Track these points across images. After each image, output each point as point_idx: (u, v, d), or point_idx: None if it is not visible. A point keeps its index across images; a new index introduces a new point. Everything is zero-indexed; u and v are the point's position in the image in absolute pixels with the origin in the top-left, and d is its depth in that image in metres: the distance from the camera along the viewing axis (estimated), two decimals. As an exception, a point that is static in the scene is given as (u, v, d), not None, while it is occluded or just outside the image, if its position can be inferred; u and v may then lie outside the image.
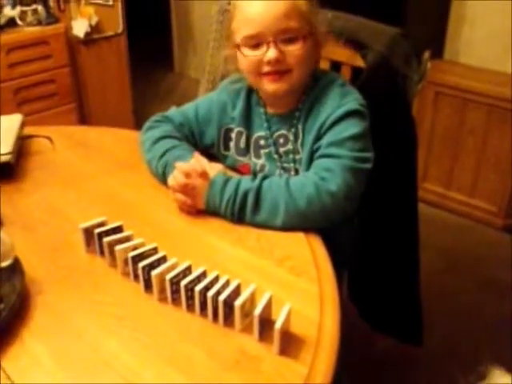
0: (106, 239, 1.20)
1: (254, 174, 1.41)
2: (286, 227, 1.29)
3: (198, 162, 1.39)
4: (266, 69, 1.40)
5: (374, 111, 1.47)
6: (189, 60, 4.95)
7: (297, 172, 1.48)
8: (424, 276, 1.80)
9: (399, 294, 1.79)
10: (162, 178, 1.48)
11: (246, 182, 1.32)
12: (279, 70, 1.39)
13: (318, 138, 1.41)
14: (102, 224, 1.25)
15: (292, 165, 1.48)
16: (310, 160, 1.42)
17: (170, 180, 1.40)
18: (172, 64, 5.10)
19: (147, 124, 1.63)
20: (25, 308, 1.09)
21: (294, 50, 1.38)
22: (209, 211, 1.36)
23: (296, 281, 1.15)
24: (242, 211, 1.31)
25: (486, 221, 2.98)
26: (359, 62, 1.64)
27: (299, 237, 1.29)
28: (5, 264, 1.14)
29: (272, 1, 1.36)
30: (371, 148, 1.40)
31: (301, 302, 1.08)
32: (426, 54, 1.65)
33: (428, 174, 3.06)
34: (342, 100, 1.41)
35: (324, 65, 1.71)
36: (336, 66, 1.71)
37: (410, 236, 1.73)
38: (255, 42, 1.39)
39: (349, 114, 1.38)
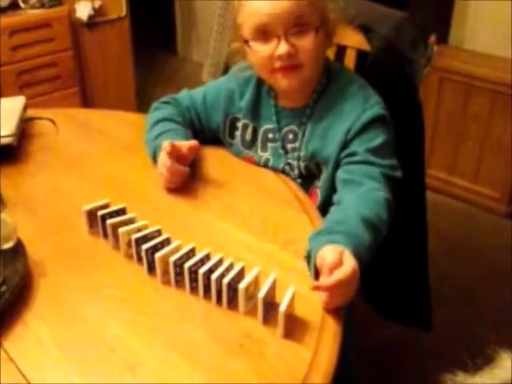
0: (109, 221, 1.19)
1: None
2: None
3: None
4: (277, 64, 1.33)
5: (380, 96, 1.46)
6: (192, 44, 4.93)
7: (299, 168, 1.45)
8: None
9: (408, 281, 1.79)
10: (153, 160, 1.46)
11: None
12: (291, 64, 1.33)
13: (345, 142, 1.35)
14: (105, 206, 1.25)
15: (296, 162, 1.46)
16: (336, 165, 1.36)
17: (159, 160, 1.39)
18: (175, 48, 5.07)
19: (155, 104, 1.62)
20: (27, 290, 1.09)
21: (306, 43, 1.31)
22: None
23: (300, 264, 1.14)
24: None
25: (489, 207, 2.97)
26: (364, 46, 1.62)
27: (303, 220, 1.29)
28: (7, 246, 1.13)
29: None
30: (395, 154, 1.37)
31: (304, 285, 1.07)
32: (432, 38, 1.64)
33: (431, 159, 3.04)
34: (365, 104, 1.36)
35: (329, 50, 1.69)
36: (341, 49, 1.69)
37: (418, 222, 1.72)
38: (264, 35, 1.32)
39: (376, 120, 1.34)
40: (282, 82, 1.37)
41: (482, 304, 2.40)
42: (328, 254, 1.02)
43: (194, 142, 1.40)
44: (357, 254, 1.04)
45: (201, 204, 1.36)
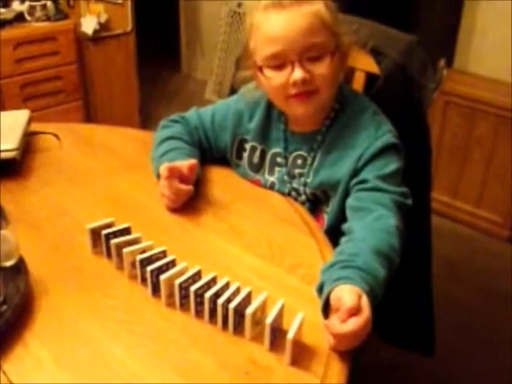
0: (113, 241, 1.17)
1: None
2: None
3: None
4: (292, 91, 1.30)
5: (389, 120, 1.45)
6: (196, 61, 4.93)
7: (306, 194, 1.44)
8: (430, 285, 1.78)
9: (412, 305, 1.77)
10: (157, 178, 1.44)
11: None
12: (306, 90, 1.30)
13: (356, 170, 1.33)
14: (109, 225, 1.23)
15: (302, 188, 1.44)
16: (346, 191, 1.35)
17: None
18: (179, 64, 5.08)
19: (163, 122, 1.60)
20: (28, 309, 1.07)
21: (321, 68, 1.29)
22: None
23: (307, 289, 1.12)
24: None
25: (492, 231, 2.96)
26: (374, 69, 1.61)
27: (310, 244, 1.27)
28: (9, 263, 1.11)
29: (294, 15, 1.27)
30: (404, 182, 1.35)
31: (312, 311, 1.06)
32: (442, 62, 1.63)
33: (435, 182, 3.02)
34: (377, 132, 1.35)
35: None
36: (350, 71, 1.68)
37: (423, 246, 1.71)
38: (278, 62, 1.29)
39: (387, 148, 1.33)
40: (297, 108, 1.35)
41: (482, 328, 2.38)
42: (346, 295, 0.97)
43: (192, 162, 1.37)
44: (371, 293, 1.02)
45: (207, 225, 1.35)
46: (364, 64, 1.63)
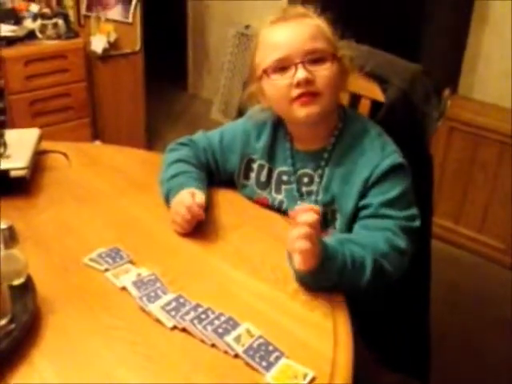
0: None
1: (273, 209, 1.45)
2: (367, 287, 1.24)
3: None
4: (295, 92, 1.35)
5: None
6: (202, 81, 4.97)
7: None
8: (430, 311, 1.78)
9: (407, 330, 1.78)
10: (166, 201, 1.48)
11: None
12: (309, 91, 1.35)
13: (364, 191, 1.37)
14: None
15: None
16: (353, 215, 1.39)
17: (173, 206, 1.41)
18: (186, 84, 5.11)
19: (171, 145, 1.63)
20: (35, 328, 1.08)
21: (323, 70, 1.35)
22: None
23: (309, 315, 1.14)
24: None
25: (494, 258, 2.96)
26: (378, 96, 1.63)
27: (313, 270, 1.28)
28: (18, 282, 1.13)
29: (297, 25, 1.37)
30: (414, 201, 1.39)
31: (314, 337, 1.08)
32: (446, 92, 1.65)
33: (437, 207, 3.04)
34: (383, 152, 1.39)
35: (343, 97, 1.70)
36: (355, 98, 1.70)
37: (421, 273, 1.72)
38: (283, 65, 1.36)
39: (394, 169, 1.37)
40: (300, 112, 1.37)
41: (482, 355, 2.38)
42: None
43: (202, 201, 1.39)
44: (326, 254, 1.17)
45: (212, 248, 1.36)
46: (369, 91, 1.65)
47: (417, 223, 1.35)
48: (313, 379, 0.98)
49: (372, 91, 1.65)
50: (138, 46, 3.62)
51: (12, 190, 1.54)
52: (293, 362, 1.01)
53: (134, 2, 3.46)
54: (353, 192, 1.38)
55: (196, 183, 1.46)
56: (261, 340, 1.05)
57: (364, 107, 1.67)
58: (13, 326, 1.04)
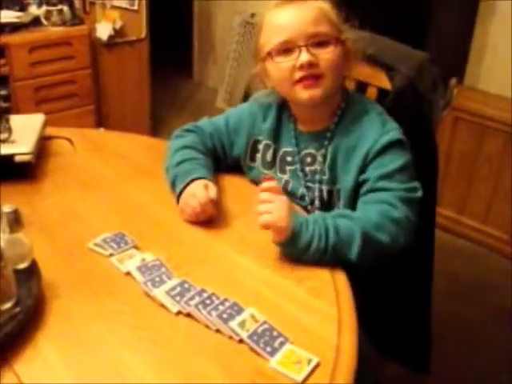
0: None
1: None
2: (359, 260, 1.25)
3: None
4: (299, 74, 1.37)
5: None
6: (208, 69, 4.96)
7: (321, 192, 1.47)
8: (433, 301, 1.79)
9: (409, 320, 1.78)
10: (172, 188, 1.47)
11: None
12: (312, 73, 1.37)
13: (363, 167, 1.39)
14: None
15: (317, 185, 1.47)
16: (354, 191, 1.41)
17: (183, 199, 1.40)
18: (191, 72, 5.10)
19: (177, 132, 1.63)
20: (40, 312, 1.09)
21: (326, 53, 1.37)
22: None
23: (314, 302, 1.14)
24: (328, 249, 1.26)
25: (498, 248, 2.96)
26: (386, 85, 1.62)
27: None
28: (23, 266, 1.14)
29: (301, 8, 1.39)
30: (415, 176, 1.40)
31: (319, 323, 1.08)
32: (453, 81, 1.65)
33: (442, 198, 3.04)
34: (383, 128, 1.40)
35: (350, 85, 1.70)
36: (362, 86, 1.70)
37: (424, 264, 1.72)
38: (286, 47, 1.37)
39: (393, 144, 1.38)
40: (303, 94, 1.39)
41: (484, 345, 2.38)
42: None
43: (215, 196, 1.40)
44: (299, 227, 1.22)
45: (217, 234, 1.36)
46: (376, 79, 1.65)
47: (418, 194, 1.37)
48: (317, 365, 0.98)
49: (379, 79, 1.65)
50: (143, 34, 3.61)
51: (17, 175, 1.54)
52: (297, 347, 1.01)
53: (139, -11, 3.46)
54: (353, 168, 1.41)
55: (204, 170, 1.46)
56: (265, 326, 1.05)
57: (371, 95, 1.67)
58: (18, 309, 1.04)
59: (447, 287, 2.62)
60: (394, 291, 1.72)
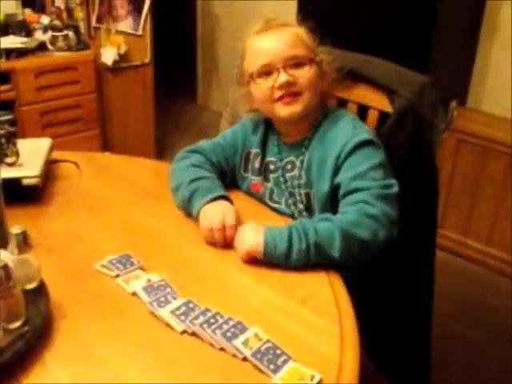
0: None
1: (264, 197, 1.60)
2: (343, 257, 1.31)
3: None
4: (278, 93, 1.49)
5: (398, 157, 1.49)
6: (212, 93, 5.00)
7: (300, 196, 1.56)
8: (435, 322, 1.79)
9: (410, 343, 1.79)
10: (187, 204, 1.49)
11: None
12: (291, 91, 1.48)
13: (336, 170, 1.47)
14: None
15: (297, 190, 1.56)
16: (331, 195, 1.48)
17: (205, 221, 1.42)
18: (195, 96, 5.15)
19: (179, 154, 1.66)
20: (48, 331, 1.10)
21: (303, 72, 1.49)
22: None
23: (317, 321, 1.16)
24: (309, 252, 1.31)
25: (501, 270, 2.96)
26: (387, 107, 1.65)
27: (321, 276, 1.30)
28: (31, 286, 1.15)
29: (279, 33, 1.51)
30: (392, 176, 1.45)
31: (321, 341, 1.09)
32: (453, 104, 1.67)
33: (445, 220, 3.05)
34: (354, 130, 1.49)
35: (351, 108, 1.73)
36: (363, 109, 1.72)
37: (425, 284, 1.73)
38: (267, 70, 1.49)
39: (363, 144, 1.45)
40: (283, 111, 1.51)
41: (485, 366, 2.37)
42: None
43: (234, 222, 1.42)
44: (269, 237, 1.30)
45: (221, 256, 1.38)
46: (377, 102, 1.68)
47: (394, 189, 1.41)
48: (320, 381, 1.00)
49: (380, 102, 1.67)
50: (147, 58, 3.66)
51: (24, 198, 1.57)
52: (300, 365, 1.03)
53: (144, 15, 3.50)
54: (326, 171, 1.49)
55: (221, 190, 1.51)
56: (269, 344, 1.06)
57: (372, 117, 1.69)
58: (26, 328, 1.06)
59: (452, 308, 2.62)
60: (394, 312, 1.73)
